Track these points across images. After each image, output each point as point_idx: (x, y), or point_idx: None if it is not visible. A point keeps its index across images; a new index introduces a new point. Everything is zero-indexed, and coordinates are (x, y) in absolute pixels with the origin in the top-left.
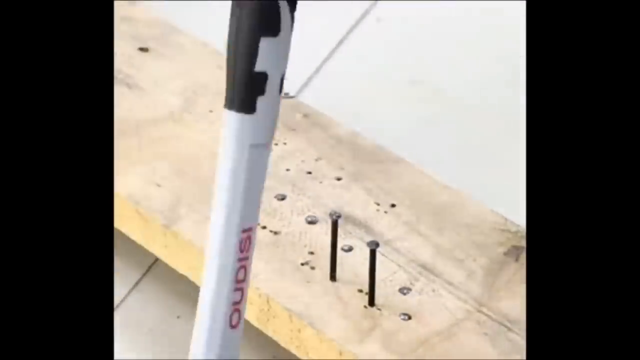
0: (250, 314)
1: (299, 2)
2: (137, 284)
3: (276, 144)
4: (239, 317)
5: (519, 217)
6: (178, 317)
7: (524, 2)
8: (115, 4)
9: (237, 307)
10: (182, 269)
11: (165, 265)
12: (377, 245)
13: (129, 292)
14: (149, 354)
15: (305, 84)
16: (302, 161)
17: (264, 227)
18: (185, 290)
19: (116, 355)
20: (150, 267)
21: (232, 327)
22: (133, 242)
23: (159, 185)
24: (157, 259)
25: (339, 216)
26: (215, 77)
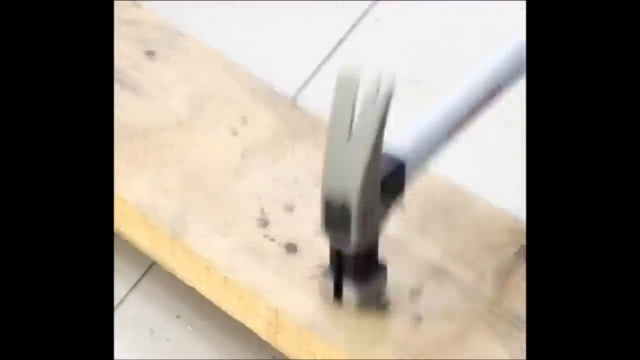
0: (259, 326)
1: (299, 1)
2: (137, 283)
3: (284, 153)
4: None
5: None
6: (178, 317)
7: (524, 2)
8: (121, 7)
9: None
10: (188, 279)
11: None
12: None
13: (129, 291)
14: (149, 354)
15: (305, 84)
16: (311, 170)
17: (273, 239)
18: (185, 290)
19: (116, 355)
20: (150, 266)
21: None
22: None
23: (166, 193)
24: None
25: None
26: (222, 82)
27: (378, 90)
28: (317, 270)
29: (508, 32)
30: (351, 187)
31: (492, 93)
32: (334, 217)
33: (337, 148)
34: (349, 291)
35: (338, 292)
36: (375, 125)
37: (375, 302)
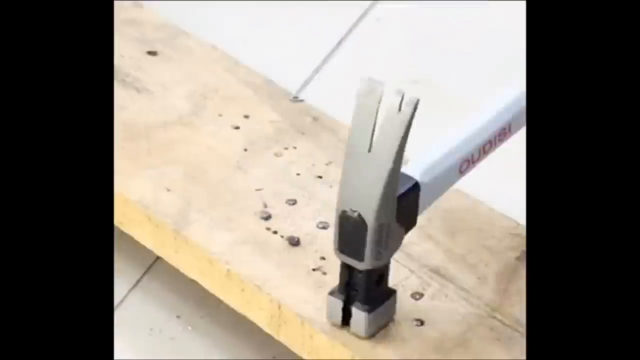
0: (261, 319)
1: (299, 1)
2: (137, 283)
3: (286, 148)
4: (467, 167)
5: None
6: (178, 317)
7: (524, 2)
8: (122, 7)
9: (474, 159)
10: (192, 274)
11: (166, 264)
12: None
13: (129, 291)
14: (149, 354)
15: (305, 84)
16: (313, 165)
17: (275, 232)
18: (185, 290)
19: (116, 355)
20: (150, 266)
21: (460, 172)
22: (134, 241)
23: (168, 190)
24: (157, 258)
25: None
26: (224, 80)
27: (401, 102)
28: (320, 263)
29: (508, 32)
30: (369, 198)
31: (504, 129)
32: (349, 229)
33: (357, 160)
34: (358, 315)
35: (346, 317)
36: (398, 137)
37: (383, 326)
